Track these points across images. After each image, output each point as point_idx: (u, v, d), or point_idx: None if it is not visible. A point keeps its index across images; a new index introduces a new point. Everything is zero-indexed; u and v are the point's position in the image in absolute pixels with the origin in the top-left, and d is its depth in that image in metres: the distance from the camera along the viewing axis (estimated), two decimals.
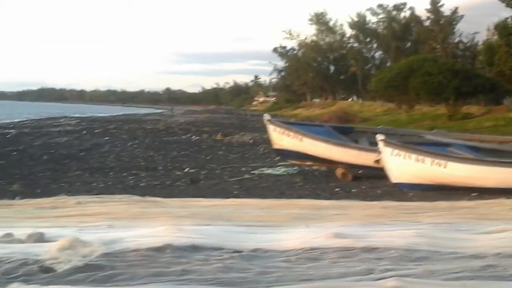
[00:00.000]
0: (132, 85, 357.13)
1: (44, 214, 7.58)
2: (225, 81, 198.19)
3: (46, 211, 7.79)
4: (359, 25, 78.35)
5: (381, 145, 11.08)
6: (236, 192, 10.68)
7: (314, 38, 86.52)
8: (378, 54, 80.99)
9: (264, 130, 16.74)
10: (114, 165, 14.81)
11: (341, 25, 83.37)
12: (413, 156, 10.78)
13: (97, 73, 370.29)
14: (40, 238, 5.77)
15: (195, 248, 5.52)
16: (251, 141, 22.84)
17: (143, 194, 9.55)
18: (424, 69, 38.06)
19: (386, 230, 6.66)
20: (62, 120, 41.34)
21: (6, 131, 27.96)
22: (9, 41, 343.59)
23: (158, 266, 4.96)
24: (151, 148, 19.77)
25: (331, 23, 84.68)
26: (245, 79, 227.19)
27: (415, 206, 8.79)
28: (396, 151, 10.85)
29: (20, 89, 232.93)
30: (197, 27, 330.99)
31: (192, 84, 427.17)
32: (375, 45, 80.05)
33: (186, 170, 13.79)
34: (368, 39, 79.42)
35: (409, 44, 73.23)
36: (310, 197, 9.85)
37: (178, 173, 13.37)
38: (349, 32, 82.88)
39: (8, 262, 4.92)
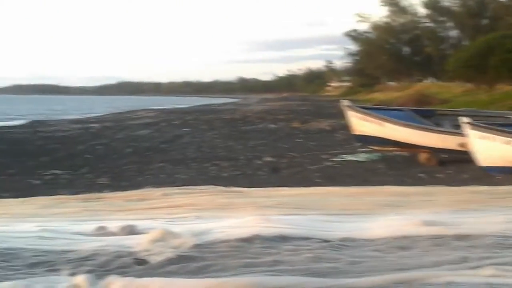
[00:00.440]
0: (205, 76, 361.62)
1: (132, 206, 7.76)
2: (298, 67, 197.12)
3: (135, 204, 7.97)
4: (433, 3, 76.10)
5: (466, 127, 10.75)
6: (318, 180, 10.62)
7: (387, 19, 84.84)
8: (453, 33, 78.53)
9: (341, 116, 16.57)
10: (195, 156, 15.02)
11: (414, 5, 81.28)
12: (501, 138, 10.41)
13: (172, 65, 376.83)
14: (132, 231, 5.92)
15: (283, 238, 5.53)
16: (328, 128, 22.68)
17: (226, 184, 9.63)
18: (505, 47, 36.68)
19: (477, 217, 6.48)
20: (141, 113, 42.22)
21: (90, 125, 28.80)
22: (88, 38, 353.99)
23: (249, 256, 5.00)
24: (230, 137, 19.93)
25: (403, 3, 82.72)
26: (317, 64, 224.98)
27: (505, 191, 8.50)
28: (482, 133, 10.50)
29: (100, 83, 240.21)
30: (267, 14, 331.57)
31: (264, 72, 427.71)
32: (449, 24, 77.62)
33: (266, 159, 13.82)
34: (442, 18, 77.09)
35: (485, 21, 70.58)
36: (394, 183, 9.68)
37: (258, 162, 13.42)
38: (422, 12, 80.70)
39: (103, 255, 5.06)
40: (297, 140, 18.82)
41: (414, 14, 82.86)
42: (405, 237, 5.58)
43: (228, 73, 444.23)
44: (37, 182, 11.31)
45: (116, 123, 30.04)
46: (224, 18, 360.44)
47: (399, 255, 5.07)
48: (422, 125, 12.76)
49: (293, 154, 14.70)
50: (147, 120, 31.65)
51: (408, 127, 12.58)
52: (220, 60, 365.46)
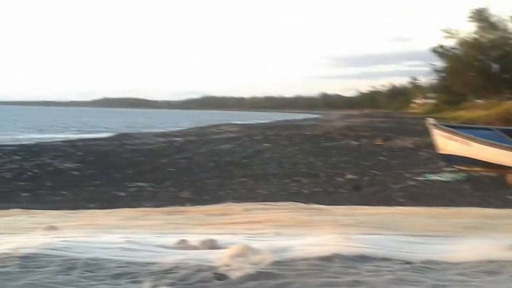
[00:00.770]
0: (288, 91, 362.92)
1: (214, 220, 7.86)
2: (381, 83, 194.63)
3: (216, 218, 8.07)
4: None
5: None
6: (401, 199, 10.39)
7: (475, 35, 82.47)
8: None
9: (425, 133, 16.19)
10: (276, 171, 15.04)
11: (504, 20, 78.63)
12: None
13: (255, 80, 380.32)
14: (212, 245, 5.97)
15: (364, 258, 5.43)
16: (412, 146, 22.21)
17: (306, 201, 9.60)
18: None
19: None
20: (223, 127, 42.78)
21: (174, 139, 29.42)
22: (175, 53, 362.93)
23: (328, 276, 4.94)
24: (311, 154, 19.83)
25: (493, 19, 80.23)
26: (401, 81, 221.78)
27: None
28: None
29: (184, 98, 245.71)
30: (350, 30, 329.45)
31: (347, 87, 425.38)
32: None
33: (347, 176, 13.68)
34: None
35: None
36: (480, 205, 9.36)
37: (339, 179, 13.29)
38: None
39: (184, 268, 5.12)
40: (380, 157, 18.52)
41: (504, 30, 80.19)
42: (491, 262, 5.37)
43: (310, 89, 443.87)
44: (122, 194, 11.64)
45: (199, 137, 30.56)
46: (308, 33, 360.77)
47: (485, 280, 4.89)
48: (511, 145, 12.29)
49: (375, 172, 14.47)
50: (230, 135, 32.04)
51: (496, 147, 12.14)
52: (303, 75, 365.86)
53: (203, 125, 51.82)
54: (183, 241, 6.10)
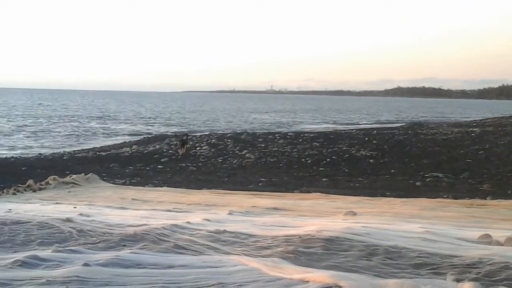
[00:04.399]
0: None
1: None
2: None
3: None
4: None
5: None
6: None
7: None
8: None
9: None
10: None
11: None
12: None
13: None
14: None
15: None
16: None
17: None
18: None
19: None
20: None
21: (470, 129, 28.28)
22: None
23: None
24: None
25: None
26: None
27: None
28: None
29: (481, 87, 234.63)
30: None
31: None
32: None
33: None
34: None
35: None
36: None
37: None
38: None
39: (489, 264, 4.84)
40: None
41: None
42: None
43: None
44: (419, 183, 11.50)
45: (497, 128, 28.87)
46: None
47: None
48: None
49: None
50: None
51: None
52: None
53: (501, 115, 48.82)
54: (487, 236, 5.78)
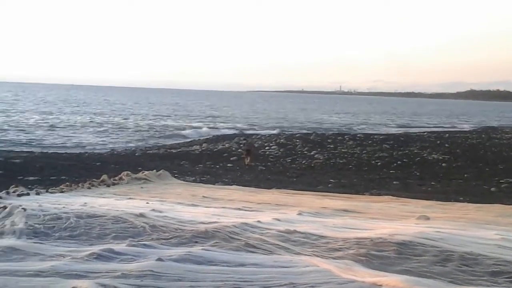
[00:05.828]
0: None
1: None
2: None
3: None
4: None
5: None
6: None
7: None
8: None
9: None
10: None
11: None
12: None
13: None
14: None
15: None
16: None
17: None
18: None
19: None
20: None
21: None
22: None
23: None
24: None
25: None
26: None
27: None
28: None
29: None
30: None
31: None
32: None
33: None
34: None
35: None
36: None
37: None
38: None
39: None
40: None
41: None
42: None
43: None
44: (493, 189, 11.16)
45: None
46: None
47: None
48: None
49: None
50: None
51: None
52: None
53: None
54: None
